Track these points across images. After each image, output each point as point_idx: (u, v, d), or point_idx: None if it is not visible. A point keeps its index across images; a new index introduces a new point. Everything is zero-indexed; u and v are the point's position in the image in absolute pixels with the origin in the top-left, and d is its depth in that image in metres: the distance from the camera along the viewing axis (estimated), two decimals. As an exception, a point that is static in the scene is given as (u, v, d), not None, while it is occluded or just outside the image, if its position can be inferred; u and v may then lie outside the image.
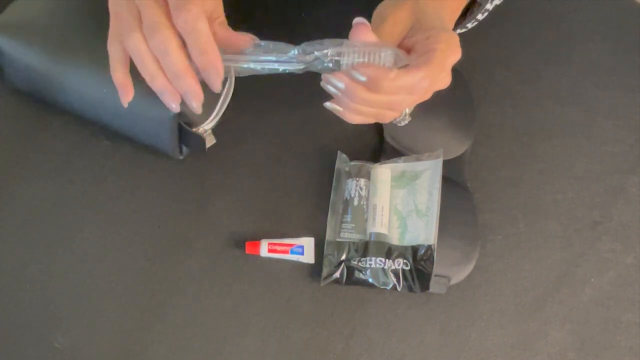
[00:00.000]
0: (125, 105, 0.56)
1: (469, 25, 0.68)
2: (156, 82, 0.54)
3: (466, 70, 0.74)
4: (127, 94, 0.55)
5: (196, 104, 0.55)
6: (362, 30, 0.53)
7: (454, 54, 0.55)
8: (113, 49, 0.54)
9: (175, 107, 0.56)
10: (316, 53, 0.53)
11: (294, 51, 0.54)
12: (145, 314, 0.63)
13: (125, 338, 0.62)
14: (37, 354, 0.60)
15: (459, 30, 0.68)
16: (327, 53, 0.53)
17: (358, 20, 0.53)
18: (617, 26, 0.82)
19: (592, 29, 0.82)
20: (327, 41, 0.54)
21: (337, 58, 0.53)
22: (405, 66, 0.54)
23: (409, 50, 0.57)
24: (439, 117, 0.72)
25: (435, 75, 0.54)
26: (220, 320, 0.64)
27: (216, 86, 0.53)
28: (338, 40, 0.53)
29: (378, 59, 0.52)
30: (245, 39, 0.54)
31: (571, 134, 0.76)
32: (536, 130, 0.76)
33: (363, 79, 0.52)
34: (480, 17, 0.67)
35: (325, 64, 0.53)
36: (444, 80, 0.56)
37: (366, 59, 0.52)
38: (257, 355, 0.63)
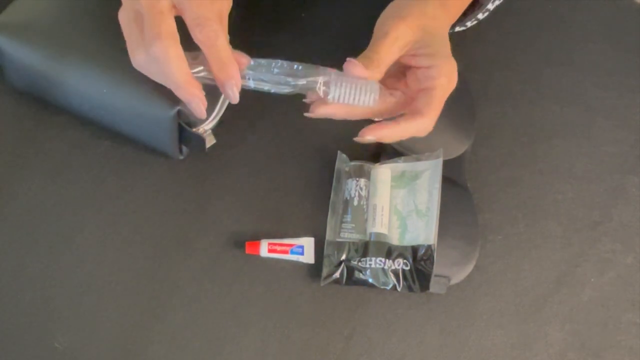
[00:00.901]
0: (204, 115, 0.57)
1: (469, 24, 0.68)
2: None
3: (466, 70, 0.74)
4: (204, 104, 0.56)
5: (199, 112, 0.56)
6: (352, 69, 0.55)
7: (452, 85, 0.58)
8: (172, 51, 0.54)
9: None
10: (306, 80, 0.55)
11: (286, 78, 0.55)
12: (145, 314, 0.63)
13: (125, 338, 0.62)
14: (37, 354, 0.60)
15: (457, 28, 0.68)
16: (317, 81, 0.55)
17: (350, 60, 0.55)
18: (617, 26, 0.82)
19: (592, 29, 0.82)
20: (314, 67, 0.55)
21: (324, 88, 0.55)
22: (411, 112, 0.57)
23: (408, 68, 0.58)
24: (439, 117, 0.72)
25: (437, 114, 0.57)
26: (220, 320, 0.64)
27: (234, 98, 0.55)
28: (326, 70, 0.55)
29: (363, 97, 0.55)
30: (242, 60, 0.55)
31: (571, 134, 0.76)
32: (536, 130, 0.76)
33: (374, 140, 0.57)
34: (480, 16, 0.67)
35: (313, 90, 0.56)
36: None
37: (352, 96, 0.55)
38: (257, 355, 0.63)
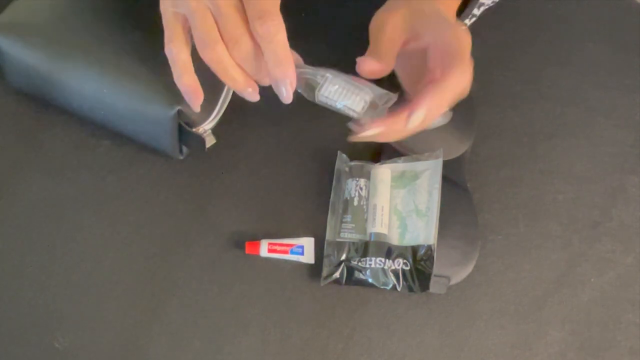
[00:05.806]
0: (198, 109, 0.56)
1: (467, 22, 0.68)
2: (242, 85, 0.55)
3: (466, 70, 0.74)
4: (198, 98, 0.55)
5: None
6: (363, 66, 0.55)
7: (464, 45, 0.56)
8: (175, 52, 0.53)
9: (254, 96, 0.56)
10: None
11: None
12: (145, 314, 0.63)
13: (125, 338, 0.62)
14: (37, 354, 0.60)
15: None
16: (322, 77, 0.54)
17: (360, 58, 0.55)
18: (617, 26, 0.82)
19: (592, 29, 0.82)
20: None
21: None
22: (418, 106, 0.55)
23: (421, 52, 0.57)
24: (439, 117, 0.72)
25: (469, 60, 0.55)
26: (220, 320, 0.64)
27: (288, 98, 0.53)
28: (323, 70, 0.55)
29: (358, 101, 0.54)
30: (296, 58, 0.55)
31: (571, 134, 0.76)
32: (536, 130, 0.76)
33: (377, 132, 0.55)
34: (476, 11, 0.67)
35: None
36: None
37: (348, 99, 0.54)
38: (257, 355, 0.63)
